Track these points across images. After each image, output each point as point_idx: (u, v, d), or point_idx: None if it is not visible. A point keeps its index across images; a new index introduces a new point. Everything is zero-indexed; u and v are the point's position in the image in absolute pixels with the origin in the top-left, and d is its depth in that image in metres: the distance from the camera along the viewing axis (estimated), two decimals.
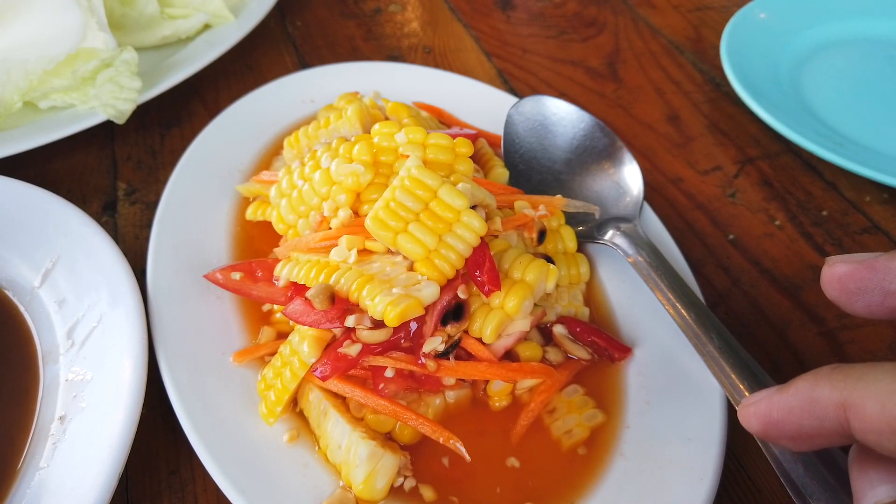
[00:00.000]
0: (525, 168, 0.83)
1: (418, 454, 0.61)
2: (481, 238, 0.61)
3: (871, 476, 0.39)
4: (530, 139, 0.85)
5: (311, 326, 0.59)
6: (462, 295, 0.61)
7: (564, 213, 0.75)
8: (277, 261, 0.68)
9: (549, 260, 0.67)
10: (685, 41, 1.22)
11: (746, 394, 0.58)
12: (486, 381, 0.64)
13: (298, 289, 0.63)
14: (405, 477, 0.59)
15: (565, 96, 1.09)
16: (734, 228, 0.89)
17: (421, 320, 0.59)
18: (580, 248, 0.75)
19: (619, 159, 0.82)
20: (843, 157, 0.87)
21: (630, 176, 0.81)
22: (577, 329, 0.68)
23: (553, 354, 0.66)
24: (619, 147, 0.83)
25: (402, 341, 0.60)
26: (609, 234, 0.75)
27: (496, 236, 0.66)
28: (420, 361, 0.60)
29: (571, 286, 0.73)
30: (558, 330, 0.67)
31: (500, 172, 0.80)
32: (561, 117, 0.85)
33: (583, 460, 0.61)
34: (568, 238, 0.74)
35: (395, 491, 0.58)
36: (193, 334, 0.66)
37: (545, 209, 0.70)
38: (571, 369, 0.66)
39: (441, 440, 0.59)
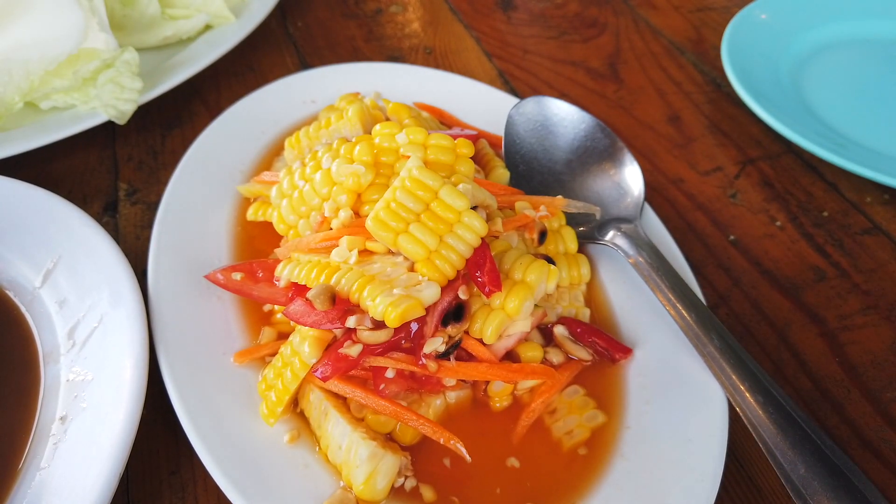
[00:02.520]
0: (526, 169, 0.83)
1: (419, 454, 0.61)
2: (482, 239, 0.61)
3: None
4: (531, 140, 0.85)
5: (311, 327, 0.59)
6: (463, 296, 0.61)
7: (565, 213, 0.75)
8: (278, 261, 0.68)
9: (550, 261, 0.67)
10: (686, 42, 1.22)
11: (747, 395, 0.58)
12: (487, 382, 0.64)
13: (299, 289, 0.63)
14: (406, 477, 0.59)
15: (566, 97, 1.09)
16: (735, 229, 0.89)
17: (422, 321, 0.59)
18: (581, 249, 0.75)
19: (619, 160, 0.82)
20: (843, 157, 0.87)
21: (631, 177, 0.81)
22: (578, 330, 0.68)
23: (554, 355, 0.66)
24: (620, 148, 0.83)
25: (403, 342, 0.60)
26: (610, 234, 0.75)
27: (497, 237, 0.66)
28: (421, 362, 0.60)
29: (572, 287, 0.73)
30: (559, 331, 0.67)
31: (501, 173, 0.80)
32: (562, 118, 0.85)
33: (583, 461, 0.61)
34: (569, 239, 0.74)
35: (395, 491, 0.58)
36: (194, 335, 0.66)
37: (546, 210, 0.70)
38: (572, 370, 0.66)
39: (442, 441, 0.59)
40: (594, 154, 0.83)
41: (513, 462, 0.61)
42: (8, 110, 0.90)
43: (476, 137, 0.83)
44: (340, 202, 0.66)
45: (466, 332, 0.62)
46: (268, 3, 1.14)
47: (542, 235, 0.69)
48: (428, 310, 0.59)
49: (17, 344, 0.68)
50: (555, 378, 0.64)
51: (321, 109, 0.89)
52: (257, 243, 0.77)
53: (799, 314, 0.79)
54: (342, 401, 0.62)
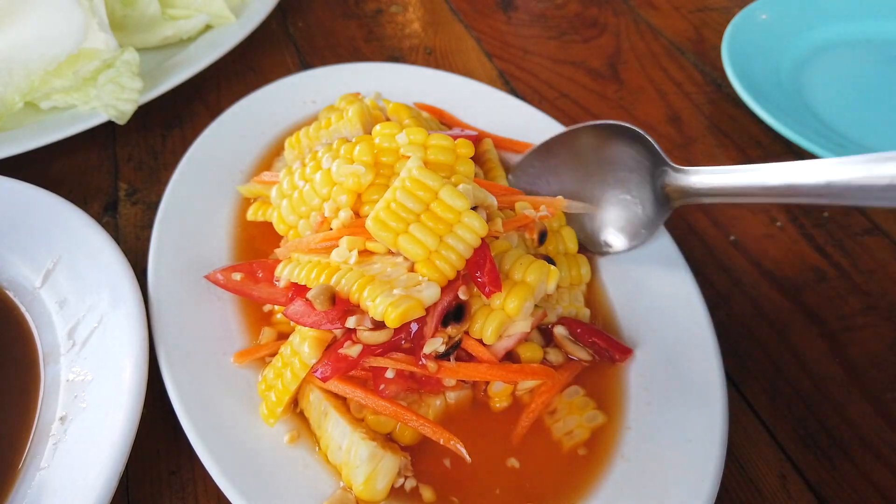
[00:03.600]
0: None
1: (419, 455, 0.61)
2: (482, 239, 0.61)
3: None
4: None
5: (311, 327, 0.59)
6: (463, 296, 0.61)
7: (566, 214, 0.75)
8: (278, 261, 0.68)
9: (550, 261, 0.67)
10: (686, 42, 1.22)
11: None
12: (487, 382, 0.64)
13: (299, 289, 0.63)
14: (406, 477, 0.59)
15: (566, 97, 1.09)
16: (735, 229, 0.89)
17: (422, 321, 0.59)
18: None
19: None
20: None
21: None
22: (578, 330, 0.68)
23: (554, 355, 0.66)
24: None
25: (403, 342, 0.60)
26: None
27: (497, 237, 0.66)
28: (421, 362, 0.60)
29: (572, 287, 0.73)
30: (559, 331, 0.67)
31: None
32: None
33: (583, 461, 0.61)
34: (569, 239, 0.74)
35: (395, 491, 0.58)
36: (194, 335, 0.66)
37: (546, 210, 0.70)
38: (572, 370, 0.66)
39: (442, 441, 0.59)
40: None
41: (513, 462, 0.61)
42: (8, 110, 0.90)
43: (476, 137, 0.83)
44: (340, 202, 0.66)
45: (466, 333, 0.62)
46: (268, 3, 1.14)
47: (542, 236, 0.69)
48: (428, 310, 0.59)
49: (17, 344, 0.68)
50: (555, 378, 0.64)
51: (321, 110, 0.88)
52: (257, 243, 0.77)
53: (799, 314, 0.79)
54: (342, 401, 0.62)
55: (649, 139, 0.73)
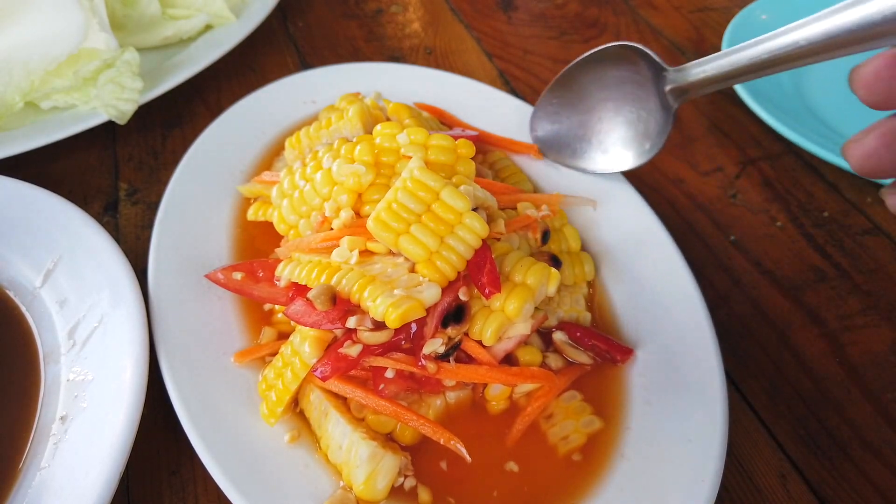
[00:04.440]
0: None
1: (419, 454, 0.61)
2: (483, 240, 0.61)
3: None
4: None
5: (312, 327, 0.59)
6: (463, 297, 0.61)
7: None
8: (279, 261, 0.68)
9: (556, 259, 0.67)
10: (686, 42, 1.22)
11: None
12: (485, 385, 0.64)
13: (300, 289, 0.63)
14: (405, 477, 0.59)
15: None
16: (735, 229, 0.89)
17: (421, 322, 0.59)
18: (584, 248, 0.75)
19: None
20: (844, 158, 0.87)
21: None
22: (578, 334, 0.68)
23: (553, 360, 0.66)
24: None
25: (403, 342, 0.60)
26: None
27: (499, 238, 0.66)
28: (420, 363, 0.60)
29: (576, 288, 0.73)
30: (559, 337, 0.67)
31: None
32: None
33: (582, 462, 0.61)
34: (571, 237, 0.74)
35: (395, 491, 0.58)
36: (194, 334, 0.66)
37: (548, 209, 0.70)
38: (571, 375, 0.66)
39: (442, 441, 0.59)
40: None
41: (511, 466, 0.61)
42: (8, 110, 0.90)
43: (476, 138, 0.83)
44: (341, 202, 0.66)
45: (466, 334, 0.62)
46: (268, 3, 1.14)
47: (546, 235, 0.69)
48: (428, 311, 0.59)
49: (18, 344, 0.68)
50: (553, 382, 0.64)
51: (321, 109, 0.89)
52: (258, 243, 0.77)
53: (799, 314, 0.79)
54: (342, 401, 0.62)
55: (646, 50, 0.75)
